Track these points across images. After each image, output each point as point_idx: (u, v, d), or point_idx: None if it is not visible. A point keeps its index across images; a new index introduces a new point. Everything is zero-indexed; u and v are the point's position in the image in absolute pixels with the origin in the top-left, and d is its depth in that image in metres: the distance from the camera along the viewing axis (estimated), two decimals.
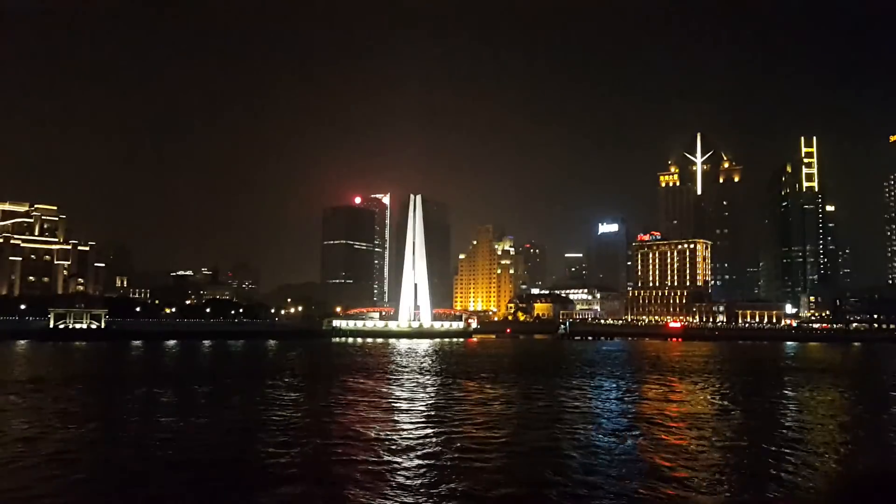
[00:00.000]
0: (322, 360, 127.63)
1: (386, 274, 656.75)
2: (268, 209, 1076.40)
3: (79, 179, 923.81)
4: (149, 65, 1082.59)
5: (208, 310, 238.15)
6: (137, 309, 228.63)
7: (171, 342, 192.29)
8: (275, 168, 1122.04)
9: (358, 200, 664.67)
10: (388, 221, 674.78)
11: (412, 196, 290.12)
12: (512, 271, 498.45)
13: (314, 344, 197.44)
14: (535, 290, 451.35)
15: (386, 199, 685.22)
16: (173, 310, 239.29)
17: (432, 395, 69.54)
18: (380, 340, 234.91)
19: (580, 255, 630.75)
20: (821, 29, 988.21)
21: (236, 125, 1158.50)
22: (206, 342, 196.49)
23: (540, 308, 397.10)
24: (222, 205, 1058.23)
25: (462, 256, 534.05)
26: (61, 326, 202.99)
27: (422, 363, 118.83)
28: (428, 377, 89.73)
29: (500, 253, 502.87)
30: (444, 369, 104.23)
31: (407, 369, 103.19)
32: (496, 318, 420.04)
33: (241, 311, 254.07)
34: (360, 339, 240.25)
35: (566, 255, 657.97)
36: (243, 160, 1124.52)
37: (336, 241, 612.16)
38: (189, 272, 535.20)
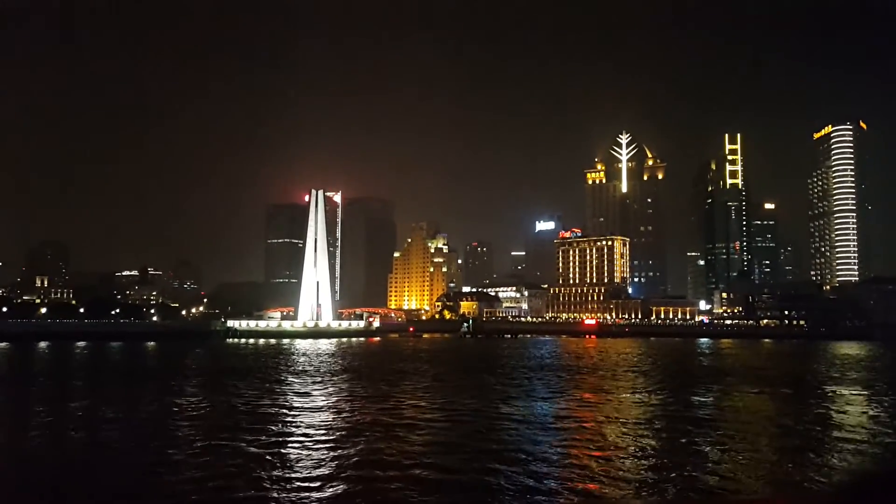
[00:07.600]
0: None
1: (338, 273, 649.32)
2: (217, 207, 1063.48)
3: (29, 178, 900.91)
4: (95, 68, 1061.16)
5: (82, 310, 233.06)
6: (4, 309, 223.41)
7: (43, 344, 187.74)
8: (224, 165, 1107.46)
9: (308, 198, 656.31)
10: (338, 220, 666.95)
11: (313, 191, 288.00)
12: (444, 269, 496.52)
13: (197, 346, 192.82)
14: (465, 289, 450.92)
15: (337, 198, 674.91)
16: (44, 311, 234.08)
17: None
18: (273, 341, 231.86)
19: (523, 252, 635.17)
20: (746, 25, 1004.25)
21: (188, 120, 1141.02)
22: (81, 344, 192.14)
23: (466, 306, 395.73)
24: (170, 203, 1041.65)
25: (397, 255, 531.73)
26: None
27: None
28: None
29: (433, 251, 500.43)
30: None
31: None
32: (424, 317, 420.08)
33: (118, 310, 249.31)
34: (252, 340, 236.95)
35: (512, 253, 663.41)
36: (191, 156, 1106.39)
37: (280, 240, 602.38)
38: (135, 272, 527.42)
